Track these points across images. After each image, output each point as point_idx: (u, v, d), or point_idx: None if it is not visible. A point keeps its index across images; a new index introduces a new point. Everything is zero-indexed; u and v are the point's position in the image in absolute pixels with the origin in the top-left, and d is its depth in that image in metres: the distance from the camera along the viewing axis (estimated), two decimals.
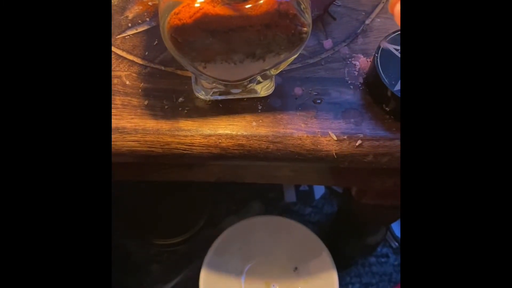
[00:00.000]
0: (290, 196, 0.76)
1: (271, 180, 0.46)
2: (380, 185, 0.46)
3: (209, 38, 0.30)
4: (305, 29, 0.31)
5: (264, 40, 0.31)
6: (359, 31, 0.43)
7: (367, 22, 0.44)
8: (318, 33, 0.43)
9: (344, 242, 0.70)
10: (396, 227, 0.69)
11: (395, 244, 0.70)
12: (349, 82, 0.39)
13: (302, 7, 0.30)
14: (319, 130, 0.37)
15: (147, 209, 0.71)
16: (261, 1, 0.29)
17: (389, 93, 0.36)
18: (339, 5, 0.45)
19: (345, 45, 0.42)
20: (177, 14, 0.29)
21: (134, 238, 0.70)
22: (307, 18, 0.31)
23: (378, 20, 0.44)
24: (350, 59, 0.41)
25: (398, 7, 0.22)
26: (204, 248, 0.61)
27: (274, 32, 0.30)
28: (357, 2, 0.45)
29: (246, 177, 0.46)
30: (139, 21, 0.42)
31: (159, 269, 0.69)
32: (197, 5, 0.29)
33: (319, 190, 0.76)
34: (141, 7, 0.44)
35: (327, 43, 0.42)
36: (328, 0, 0.43)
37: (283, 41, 0.31)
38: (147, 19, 0.43)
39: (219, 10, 0.29)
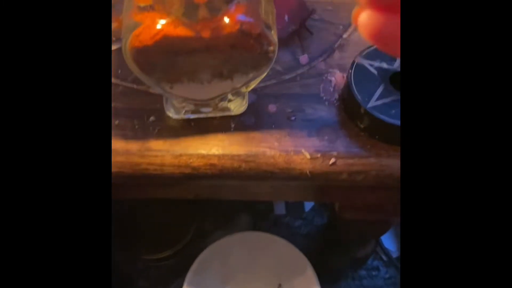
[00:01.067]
0: (279, 208, 0.75)
1: (250, 197, 0.46)
2: (361, 200, 0.45)
3: (172, 59, 0.30)
4: (271, 48, 0.31)
5: (229, 60, 0.30)
6: (336, 45, 0.42)
7: (344, 36, 0.43)
8: (295, 48, 0.42)
9: (334, 255, 0.69)
10: (385, 240, 0.68)
11: (385, 257, 0.69)
12: (324, 98, 0.39)
13: (267, 25, 0.30)
14: (292, 148, 0.36)
15: (134, 222, 0.70)
16: (226, 21, 0.28)
17: (362, 110, 0.35)
18: (317, 19, 0.44)
19: (321, 60, 0.41)
20: (138, 36, 0.28)
21: (120, 252, 0.70)
22: (273, 36, 0.30)
23: (356, 34, 0.43)
24: (326, 75, 0.40)
25: (362, 18, 0.20)
26: (191, 262, 0.61)
27: (239, 52, 0.30)
28: (334, 15, 0.44)
29: (224, 195, 0.45)
30: (114, 38, 0.42)
31: (146, 285, 0.69)
32: (158, 26, 0.28)
33: (309, 202, 0.76)
34: (116, 24, 0.43)
35: (303, 59, 0.41)
36: (305, 14, 0.43)
37: (249, 60, 0.31)
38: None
39: (181, 31, 0.28)
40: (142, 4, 0.29)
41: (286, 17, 0.43)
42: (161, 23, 0.28)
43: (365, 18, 0.19)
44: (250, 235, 0.55)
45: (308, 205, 0.76)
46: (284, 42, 0.42)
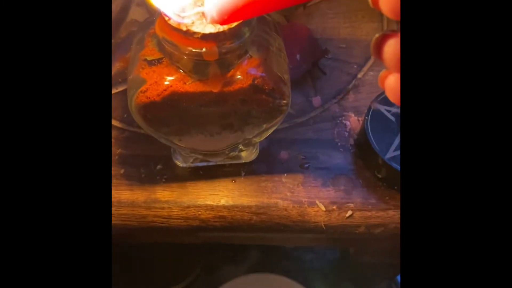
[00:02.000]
0: None
1: (260, 241, 0.44)
2: (378, 246, 0.43)
3: (180, 114, 0.28)
4: (284, 101, 0.29)
5: (239, 113, 0.29)
6: (350, 86, 0.41)
7: (359, 76, 0.41)
8: (307, 89, 0.41)
9: None
10: (399, 276, 0.66)
11: None
12: (339, 144, 0.37)
13: (281, 78, 0.28)
14: (306, 200, 0.34)
15: (139, 257, 0.69)
16: (238, 76, 0.27)
17: (380, 161, 0.33)
18: (329, 58, 0.42)
19: (335, 102, 0.40)
20: (144, 92, 0.27)
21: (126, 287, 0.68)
22: (287, 88, 0.29)
23: (371, 73, 0.41)
24: (340, 118, 0.38)
25: (390, 81, 0.19)
26: None
27: (250, 106, 0.28)
28: (348, 54, 0.43)
29: (234, 239, 0.43)
30: (119, 79, 0.41)
31: None
32: (166, 83, 0.27)
33: None
34: (122, 64, 0.42)
35: (316, 101, 0.39)
36: (317, 53, 0.41)
37: (261, 114, 0.29)
38: None
39: (189, 87, 0.27)
40: (149, 58, 0.27)
41: (297, 56, 0.41)
42: (169, 79, 0.27)
43: (392, 82, 0.19)
44: (260, 277, 0.52)
45: None
46: (296, 83, 0.41)
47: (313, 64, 0.41)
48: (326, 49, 0.41)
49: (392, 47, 0.18)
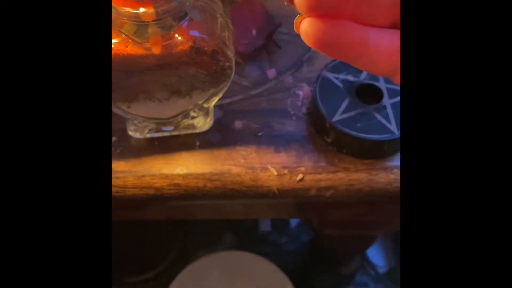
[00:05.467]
0: (265, 225, 0.74)
1: (224, 215, 0.45)
2: (338, 216, 0.44)
3: (125, 78, 0.29)
4: (228, 64, 0.30)
5: (185, 77, 0.30)
6: (304, 58, 0.42)
7: (312, 49, 0.42)
8: (263, 62, 0.42)
9: (320, 272, 0.67)
10: (372, 254, 0.67)
11: (373, 272, 0.67)
12: (292, 113, 0.38)
13: (223, 41, 0.29)
14: (258, 165, 0.35)
15: (114, 243, 0.69)
16: (178, 38, 0.28)
17: (327, 125, 0.34)
18: (285, 33, 0.44)
19: (289, 74, 0.41)
20: None
21: None
22: (230, 52, 0.30)
23: None
24: (293, 89, 0.39)
25: (303, 25, 0.20)
26: None
27: (194, 70, 0.29)
28: None
29: (197, 214, 0.44)
30: None
31: None
32: None
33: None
34: None
35: (271, 73, 0.40)
36: (271, 28, 0.42)
37: (206, 77, 0.30)
38: None
39: (131, 50, 0.27)
40: None
41: (253, 32, 0.42)
42: (112, 41, 0.27)
43: (306, 26, 0.19)
44: (228, 255, 0.53)
45: (294, 221, 0.74)
46: (252, 56, 0.42)
47: (268, 38, 0.42)
48: (279, 23, 0.42)
49: None
